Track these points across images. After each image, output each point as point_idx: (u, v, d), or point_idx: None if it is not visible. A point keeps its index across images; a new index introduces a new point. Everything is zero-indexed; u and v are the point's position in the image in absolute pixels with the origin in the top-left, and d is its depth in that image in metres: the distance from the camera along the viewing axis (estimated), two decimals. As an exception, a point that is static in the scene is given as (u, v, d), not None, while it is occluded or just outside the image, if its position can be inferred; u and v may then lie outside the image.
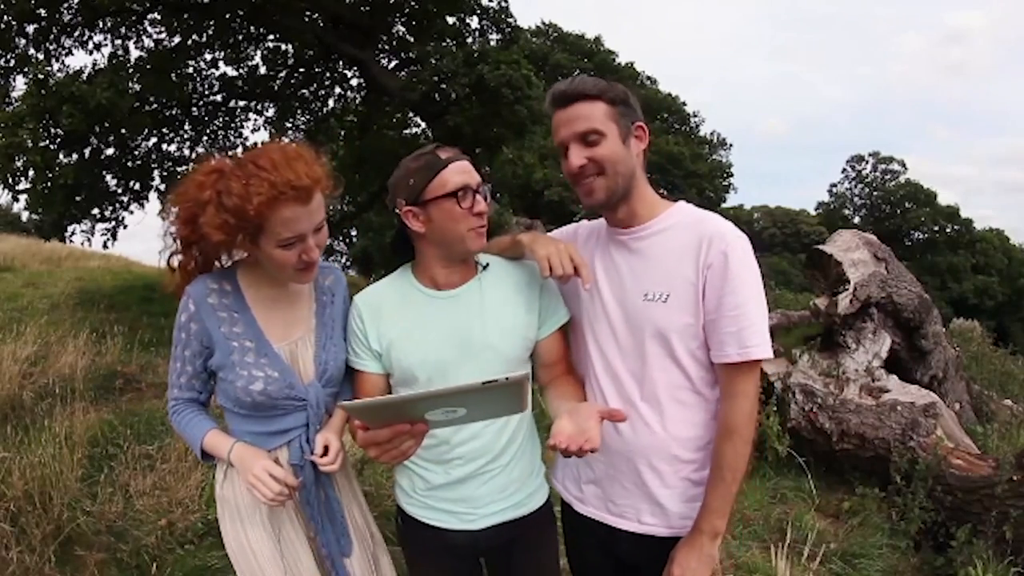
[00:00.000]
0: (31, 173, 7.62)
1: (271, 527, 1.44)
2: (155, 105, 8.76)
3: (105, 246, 9.80)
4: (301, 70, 10.82)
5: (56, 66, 8.48)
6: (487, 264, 1.47)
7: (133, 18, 8.85)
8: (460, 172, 1.35)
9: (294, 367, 1.42)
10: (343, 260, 26.05)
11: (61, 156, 7.95)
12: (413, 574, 1.56)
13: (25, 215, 24.75)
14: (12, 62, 8.26)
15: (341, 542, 1.48)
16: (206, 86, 10.00)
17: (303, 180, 1.23)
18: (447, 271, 1.43)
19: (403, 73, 10.39)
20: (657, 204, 1.41)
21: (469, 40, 10.26)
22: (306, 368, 1.43)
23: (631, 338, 1.37)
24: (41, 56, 8.36)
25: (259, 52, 10.40)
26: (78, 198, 8.33)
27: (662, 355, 1.35)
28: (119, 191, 9.35)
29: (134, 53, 9.15)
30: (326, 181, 1.29)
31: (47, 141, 7.62)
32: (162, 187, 10.00)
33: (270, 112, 11.19)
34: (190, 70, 9.63)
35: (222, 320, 1.40)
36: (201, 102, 10.00)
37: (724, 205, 29.39)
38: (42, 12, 8.04)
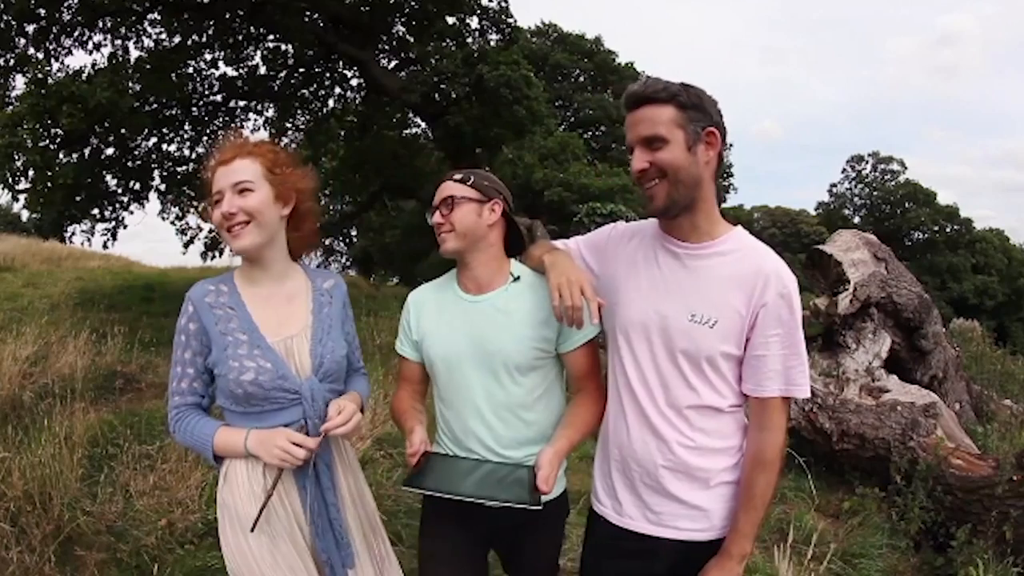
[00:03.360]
0: (31, 173, 7.62)
1: (271, 533, 1.43)
2: (155, 105, 8.77)
3: (105, 246, 9.83)
4: (301, 70, 10.82)
5: (56, 66, 8.50)
6: (518, 276, 1.58)
7: (133, 18, 8.85)
8: (439, 191, 1.57)
9: (290, 361, 1.44)
10: (343, 260, 26.01)
11: (61, 156, 7.95)
12: (424, 530, 1.64)
13: (25, 215, 24.75)
14: (12, 62, 8.26)
15: (341, 551, 1.47)
16: (206, 86, 10.00)
17: (227, 150, 1.48)
18: (470, 276, 1.57)
19: (403, 73, 10.40)
20: (719, 223, 1.39)
21: (469, 40, 10.26)
22: (302, 363, 1.46)
23: (666, 352, 1.37)
24: (41, 56, 8.36)
25: (259, 52, 10.40)
26: (78, 198, 8.33)
27: (695, 375, 1.36)
28: (119, 191, 9.35)
29: (134, 53, 9.18)
30: (260, 152, 1.47)
31: (47, 141, 7.63)
32: (162, 187, 10.00)
33: (270, 112, 11.20)
34: (190, 70, 9.63)
35: (218, 317, 1.44)
36: (201, 102, 10.00)
37: (724, 205, 29.40)
38: (42, 12, 8.04)
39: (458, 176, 1.57)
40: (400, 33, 10.52)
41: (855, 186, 34.71)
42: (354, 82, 11.28)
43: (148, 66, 8.61)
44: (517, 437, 1.52)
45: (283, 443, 1.37)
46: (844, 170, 35.03)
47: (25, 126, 7.30)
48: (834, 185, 35.47)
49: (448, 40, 10.03)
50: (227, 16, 9.14)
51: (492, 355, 1.51)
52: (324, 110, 11.56)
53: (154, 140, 9.51)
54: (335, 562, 1.46)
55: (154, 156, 9.67)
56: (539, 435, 1.53)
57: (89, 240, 9.54)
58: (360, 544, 1.53)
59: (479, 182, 1.56)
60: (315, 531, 1.45)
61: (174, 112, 9.46)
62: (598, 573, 1.54)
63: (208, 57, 9.85)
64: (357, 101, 11.54)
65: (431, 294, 1.65)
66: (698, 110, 1.31)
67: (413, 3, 9.80)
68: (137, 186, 9.48)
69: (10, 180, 7.58)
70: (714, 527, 1.40)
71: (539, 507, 1.35)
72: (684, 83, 1.32)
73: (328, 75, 11.13)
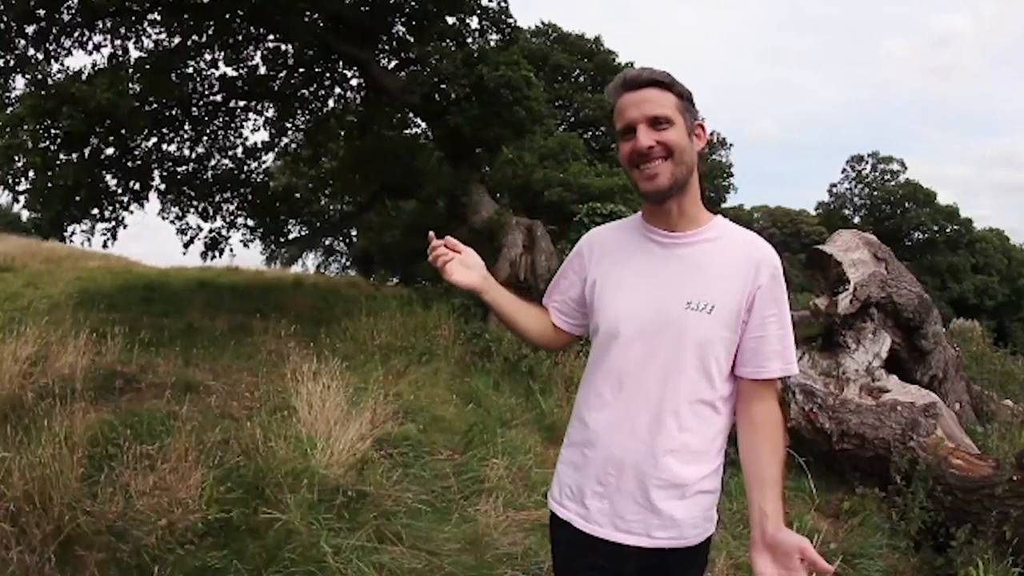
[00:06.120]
0: (31, 173, 7.62)
1: None
2: (155, 105, 8.76)
3: (105, 246, 9.83)
4: (301, 70, 10.81)
5: (56, 67, 8.49)
6: None
7: (133, 18, 8.84)
8: None
9: None
10: (343, 260, 26.02)
11: (61, 156, 7.95)
12: None
13: (25, 215, 24.73)
14: (12, 63, 8.26)
15: None
16: (206, 86, 10.00)
17: None
18: None
19: (403, 73, 10.39)
20: (703, 211, 1.41)
21: (469, 40, 10.25)
22: None
23: (663, 343, 1.34)
24: (41, 57, 8.36)
25: (259, 52, 10.40)
26: (78, 198, 8.33)
27: (694, 365, 1.34)
28: (119, 191, 9.35)
29: (134, 53, 9.16)
30: None
31: (47, 141, 7.63)
32: (162, 187, 10.02)
33: (270, 112, 11.20)
34: (190, 70, 9.63)
35: None
36: (201, 102, 10.01)
37: (724, 205, 29.39)
38: (41, 13, 8.04)
39: None
40: (400, 33, 10.50)
41: (855, 186, 34.67)
42: (354, 82, 11.28)
43: (148, 67, 8.60)
44: None
45: None
46: (844, 170, 34.99)
47: (25, 127, 7.30)
48: (834, 185, 35.41)
49: (448, 40, 10.01)
50: (227, 16, 9.13)
51: None
52: (324, 110, 11.55)
53: (154, 140, 9.52)
54: None
55: (154, 156, 9.67)
56: None
57: (89, 240, 9.54)
58: None
59: None
60: None
61: (174, 112, 9.46)
62: (569, 570, 1.50)
63: (208, 57, 9.84)
64: (357, 101, 11.54)
65: None
66: (691, 103, 1.36)
67: (413, 3, 9.78)
68: (137, 186, 9.49)
69: (10, 181, 7.59)
70: (684, 536, 1.38)
71: None
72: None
73: (328, 75, 11.12)
